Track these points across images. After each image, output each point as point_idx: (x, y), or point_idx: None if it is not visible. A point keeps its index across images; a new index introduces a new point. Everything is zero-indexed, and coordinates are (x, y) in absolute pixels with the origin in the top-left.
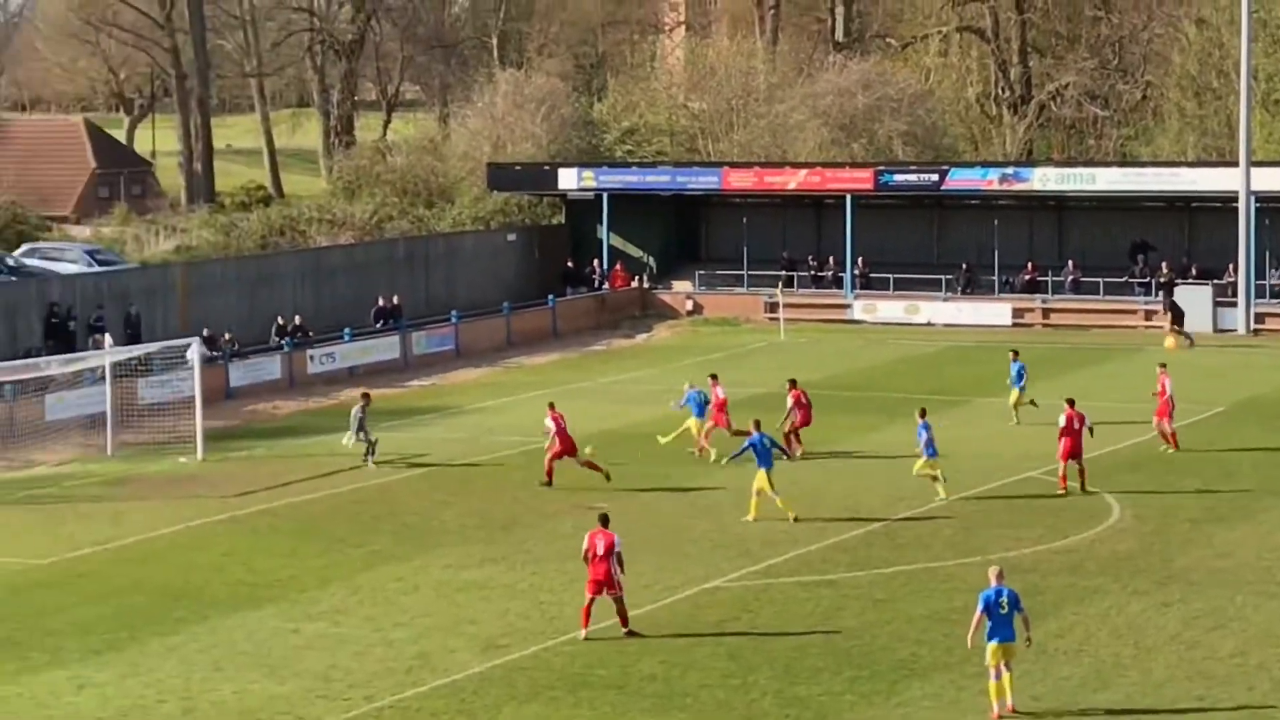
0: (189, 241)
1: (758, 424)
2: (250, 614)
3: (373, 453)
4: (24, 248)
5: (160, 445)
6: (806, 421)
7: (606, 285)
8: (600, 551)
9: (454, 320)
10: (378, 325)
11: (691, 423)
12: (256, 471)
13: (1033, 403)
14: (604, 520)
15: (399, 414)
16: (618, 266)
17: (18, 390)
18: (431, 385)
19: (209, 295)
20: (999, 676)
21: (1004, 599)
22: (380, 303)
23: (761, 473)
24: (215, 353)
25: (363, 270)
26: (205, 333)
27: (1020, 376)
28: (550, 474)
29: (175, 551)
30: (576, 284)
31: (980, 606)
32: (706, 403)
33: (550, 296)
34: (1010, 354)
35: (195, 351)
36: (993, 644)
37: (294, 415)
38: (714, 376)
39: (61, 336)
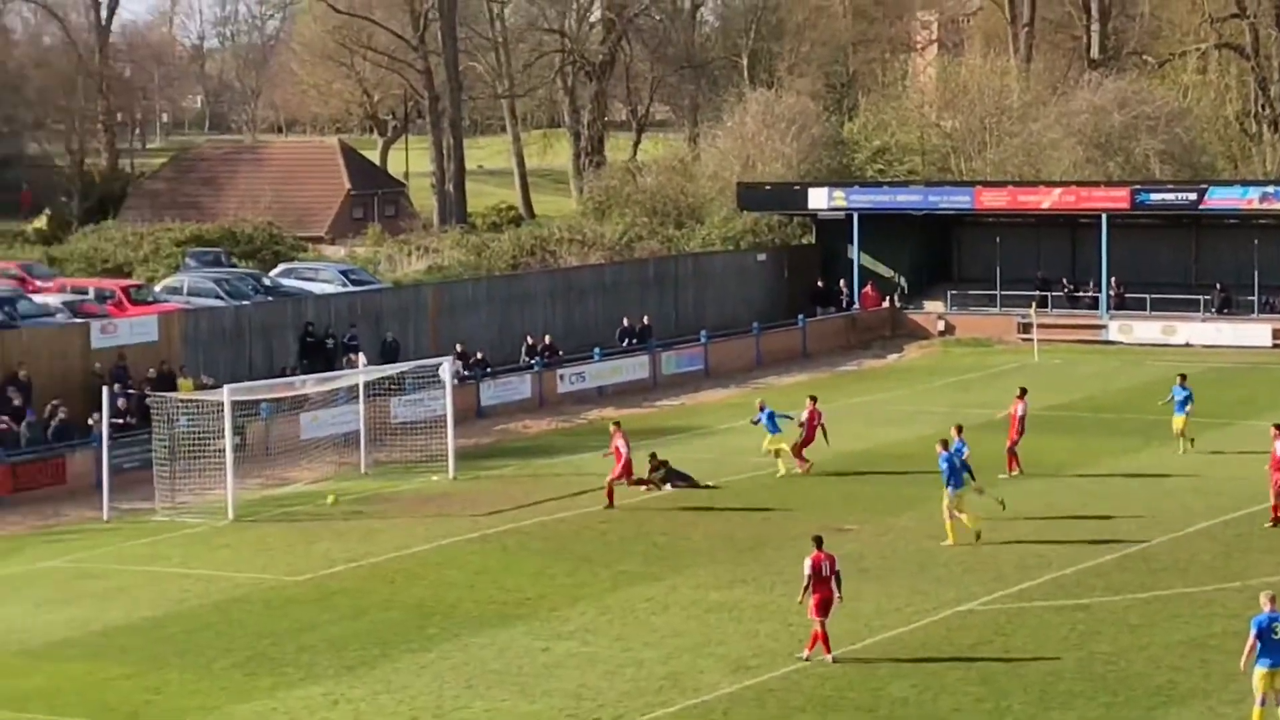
0: (441, 261)
1: (945, 443)
2: (501, 632)
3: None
4: (280, 268)
5: (412, 464)
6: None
7: (857, 305)
8: (826, 572)
9: (703, 340)
10: (623, 345)
11: (780, 440)
12: (507, 490)
13: (1191, 441)
14: (819, 542)
15: (648, 434)
16: (868, 286)
17: (274, 409)
18: (680, 405)
19: (460, 315)
20: (1264, 703)
21: (1277, 625)
22: (625, 323)
23: (948, 492)
24: (466, 372)
25: (612, 290)
26: (458, 348)
27: (1185, 403)
28: (611, 496)
29: (427, 569)
30: (825, 304)
31: (1253, 631)
32: (777, 419)
33: (800, 316)
34: (1178, 378)
35: (447, 370)
36: (1262, 669)
37: (544, 434)
38: (813, 398)
39: (316, 355)
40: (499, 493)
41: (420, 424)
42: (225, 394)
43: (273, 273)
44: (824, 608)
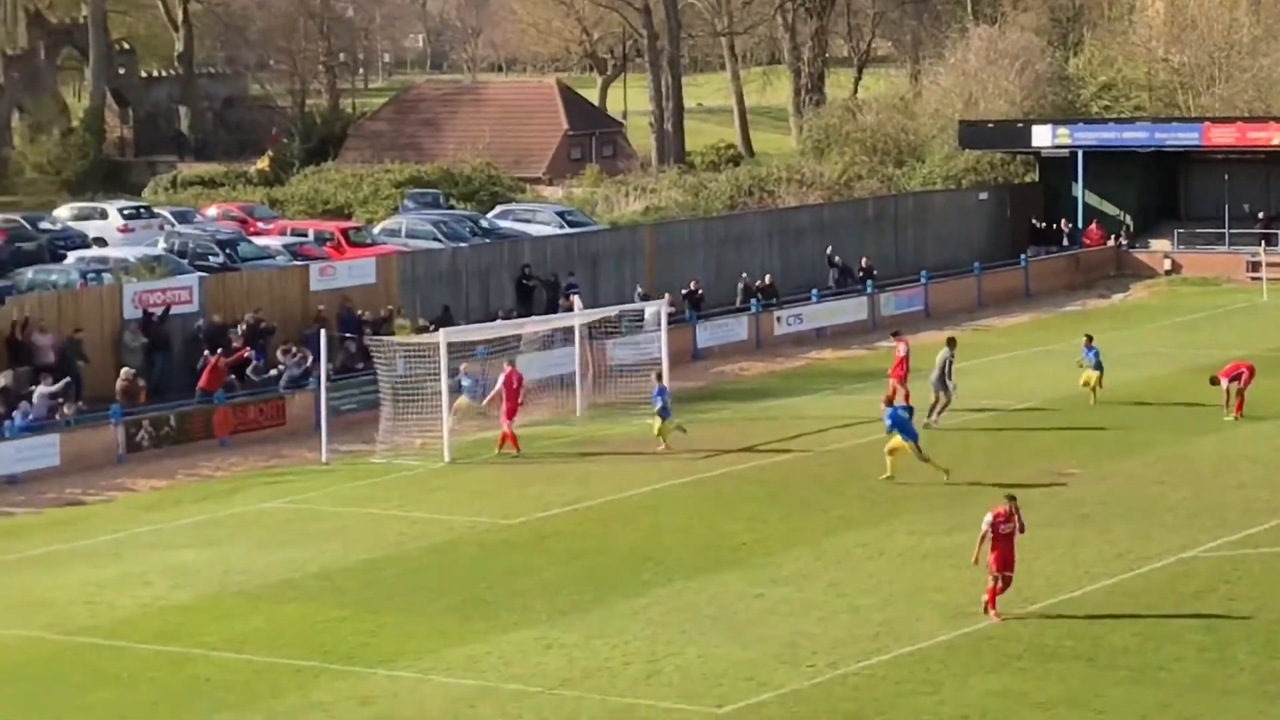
0: (658, 202)
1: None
2: (715, 577)
3: (941, 409)
4: (497, 209)
5: (628, 406)
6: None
7: (1081, 244)
8: (1005, 530)
9: (923, 281)
10: (835, 284)
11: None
12: (722, 434)
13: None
14: (1011, 499)
15: (866, 376)
16: (1092, 225)
17: (490, 351)
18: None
19: (677, 256)
20: None
21: None
22: (837, 259)
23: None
24: (680, 313)
25: (831, 230)
26: (687, 288)
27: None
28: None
29: (642, 513)
30: (1047, 243)
31: None
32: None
33: (1023, 256)
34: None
35: (662, 313)
36: None
37: (760, 377)
38: (896, 333)
39: (533, 298)
40: (715, 436)
41: (636, 367)
42: (441, 337)
43: (490, 214)
44: (1003, 564)
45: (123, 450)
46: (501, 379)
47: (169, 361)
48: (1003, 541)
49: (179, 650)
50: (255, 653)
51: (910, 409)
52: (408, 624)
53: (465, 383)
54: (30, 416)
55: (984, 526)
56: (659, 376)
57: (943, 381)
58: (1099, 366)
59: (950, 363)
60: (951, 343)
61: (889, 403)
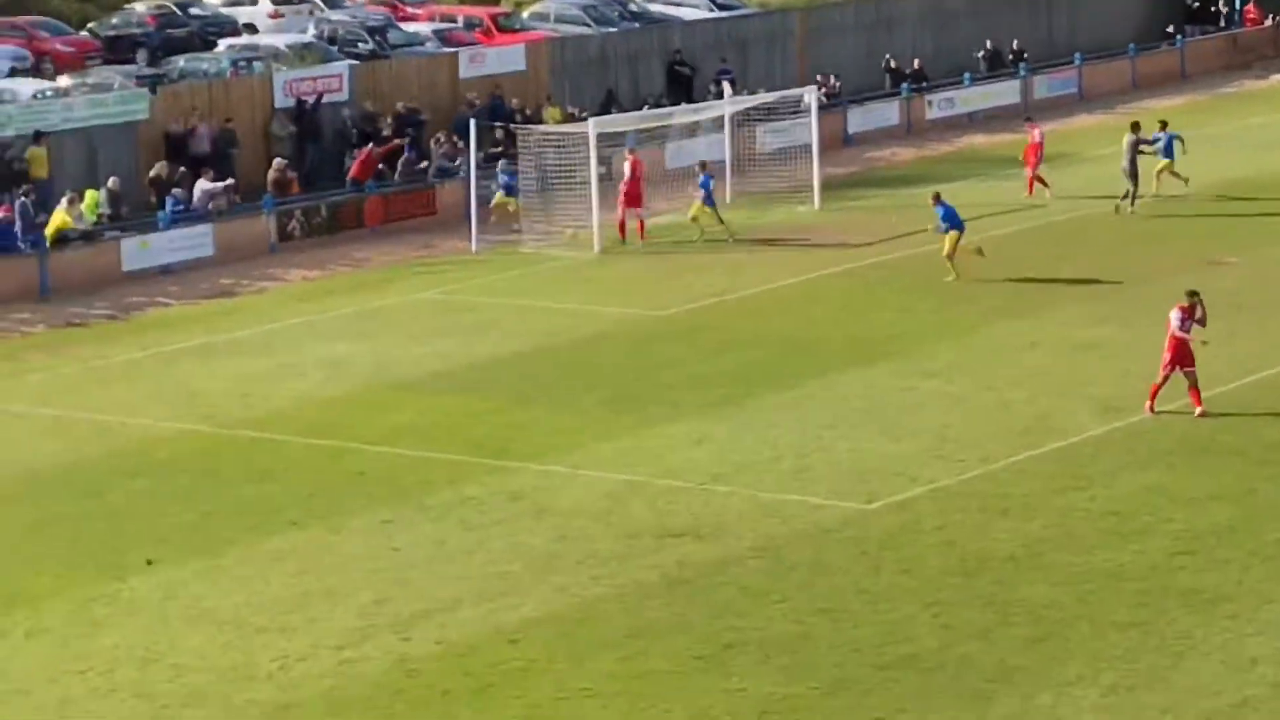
0: None
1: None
2: (865, 370)
3: (1133, 197)
4: None
5: (778, 194)
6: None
7: (1239, 24)
8: (1177, 329)
9: (1076, 63)
10: (989, 72)
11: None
12: (872, 222)
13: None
14: (1194, 295)
15: (1017, 162)
16: (1250, 3)
17: (640, 139)
18: (1051, 130)
19: (827, 40)
20: None
21: None
22: (989, 46)
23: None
24: (832, 100)
25: (984, 13)
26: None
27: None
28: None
29: (792, 304)
30: (1203, 22)
31: None
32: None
33: (1178, 37)
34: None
35: (812, 98)
36: None
37: (912, 163)
38: (1029, 119)
39: (683, 84)
40: (865, 224)
41: (786, 153)
42: (590, 126)
43: None
44: (1180, 359)
45: (275, 240)
46: (627, 166)
47: (320, 151)
48: (1173, 340)
49: (333, 444)
50: (407, 446)
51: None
52: (558, 418)
53: (503, 179)
54: (191, 206)
55: (1172, 323)
56: (703, 165)
57: (1133, 167)
58: (1169, 154)
59: (1137, 146)
60: (1135, 127)
61: (938, 199)
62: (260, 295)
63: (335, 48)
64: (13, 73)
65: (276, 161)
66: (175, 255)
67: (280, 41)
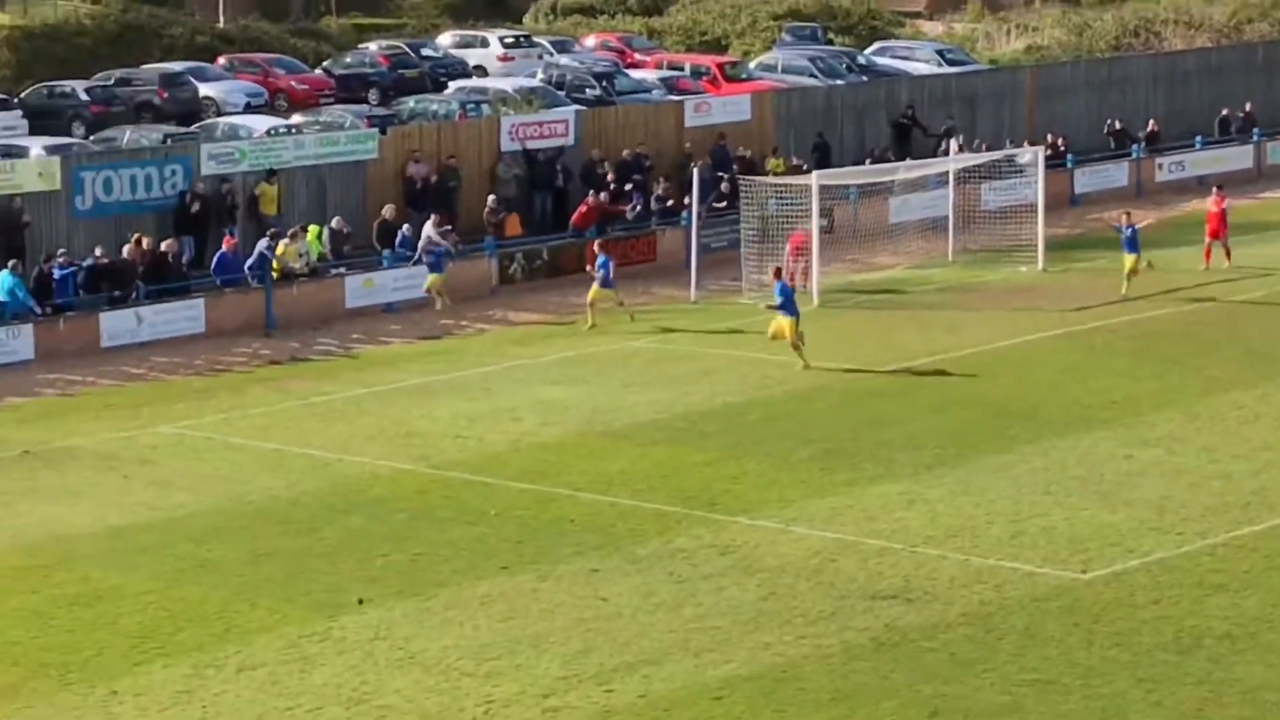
0: (1039, 41)
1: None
2: (1083, 436)
3: None
4: (875, 46)
5: (1000, 252)
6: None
7: None
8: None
9: None
10: (1224, 135)
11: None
12: (1096, 284)
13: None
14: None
15: (1249, 229)
16: None
17: (862, 192)
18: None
19: (1057, 98)
20: None
21: None
22: (1224, 112)
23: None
24: (1058, 159)
25: (1217, 75)
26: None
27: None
28: None
29: (1010, 366)
30: None
31: None
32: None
33: None
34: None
35: (1039, 157)
36: None
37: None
38: (1219, 187)
39: (909, 139)
40: (1089, 287)
41: (1010, 211)
42: (813, 179)
43: (867, 51)
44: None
45: (495, 282)
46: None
47: (546, 201)
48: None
49: (545, 489)
50: (619, 495)
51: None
52: (770, 472)
53: (429, 258)
54: (419, 249)
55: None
56: (603, 246)
57: None
58: (1133, 247)
59: None
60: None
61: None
62: (479, 337)
63: (563, 93)
64: (247, 109)
65: (490, 200)
66: (398, 294)
67: (508, 85)
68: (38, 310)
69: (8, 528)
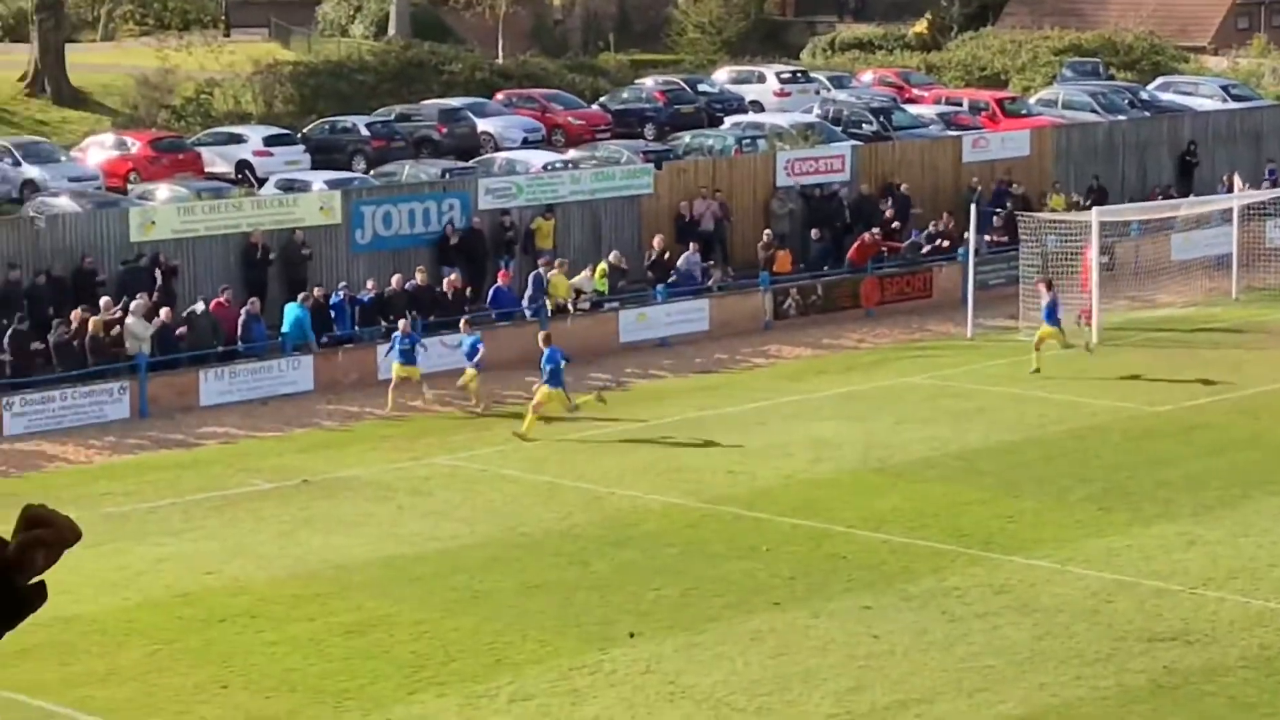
0: None
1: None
2: None
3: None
4: (1157, 82)
5: None
6: None
7: None
8: None
9: None
10: None
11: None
12: None
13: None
14: None
15: None
16: None
17: (1144, 228)
18: None
19: None
20: None
21: None
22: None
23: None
24: None
25: None
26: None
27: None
28: None
29: None
30: None
31: None
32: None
33: None
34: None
35: None
36: None
37: None
38: None
39: (1191, 175)
40: None
41: None
42: (1094, 215)
43: (1150, 86)
44: None
45: (769, 317)
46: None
47: (822, 237)
48: None
49: (817, 525)
50: (892, 531)
51: None
52: (1046, 511)
53: (401, 343)
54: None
55: None
56: (547, 339)
57: None
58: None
59: None
60: None
61: None
62: (752, 372)
63: (839, 128)
64: (525, 144)
65: (765, 235)
66: (671, 329)
67: (785, 120)
68: (316, 344)
69: (287, 556)
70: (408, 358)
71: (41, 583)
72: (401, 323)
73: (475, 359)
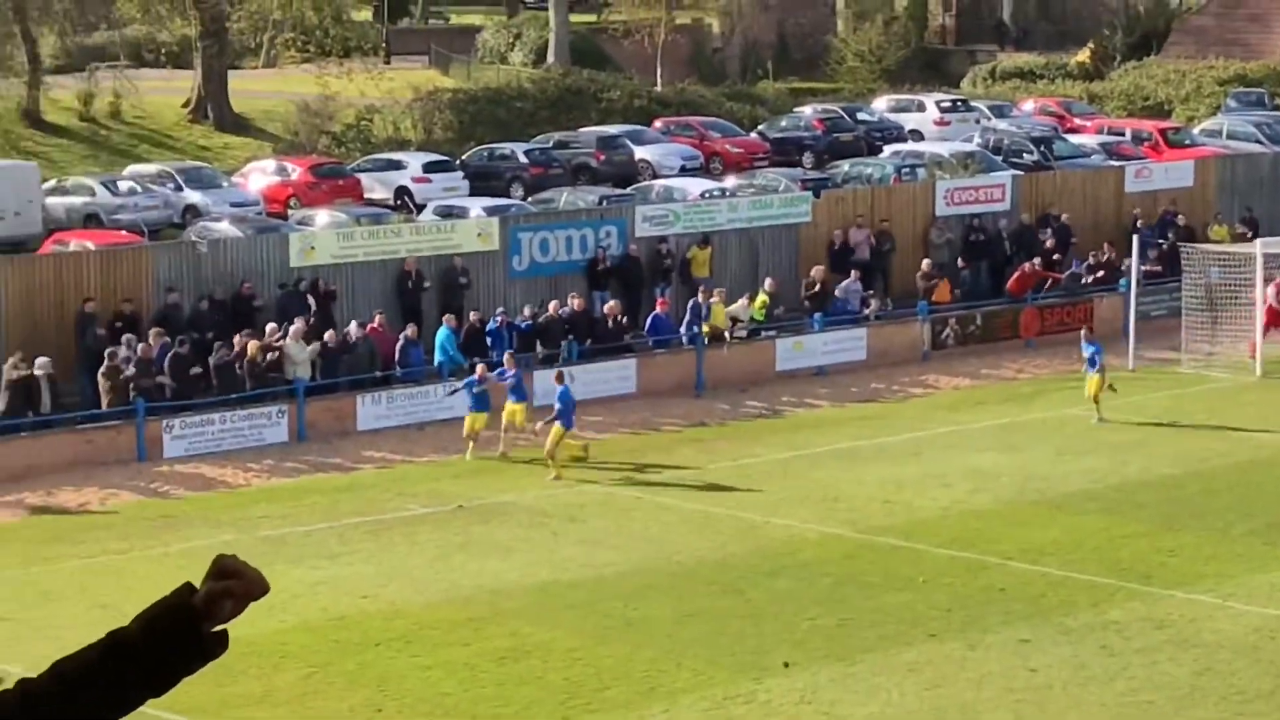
0: None
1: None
2: None
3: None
4: None
5: None
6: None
7: None
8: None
9: None
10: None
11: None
12: None
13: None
14: None
15: None
16: None
17: None
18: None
19: None
20: None
21: None
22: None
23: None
24: None
25: None
26: None
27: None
28: None
29: None
30: None
31: None
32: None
33: None
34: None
35: None
36: None
37: None
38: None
39: None
40: None
41: None
42: (1257, 246)
43: None
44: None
45: (927, 347)
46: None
47: (980, 271)
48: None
49: (974, 556)
50: (1050, 564)
51: None
52: (1208, 545)
53: (510, 380)
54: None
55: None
56: (507, 363)
57: None
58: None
59: None
60: None
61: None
62: (909, 402)
63: (999, 157)
64: (682, 171)
65: (924, 265)
66: (828, 358)
67: (944, 149)
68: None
69: (442, 581)
70: (519, 394)
71: (224, 631)
72: (480, 367)
73: (556, 411)
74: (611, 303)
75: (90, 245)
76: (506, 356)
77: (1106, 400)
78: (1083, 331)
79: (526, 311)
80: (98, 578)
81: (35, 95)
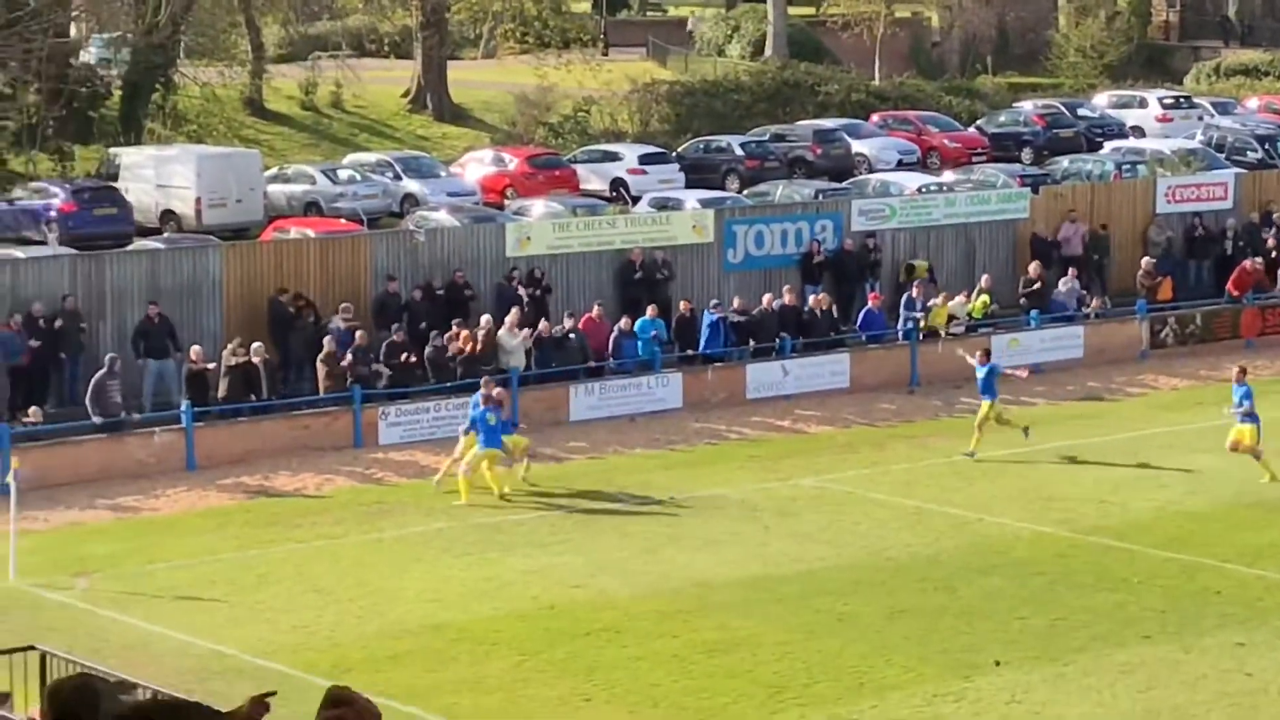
0: None
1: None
2: None
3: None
4: None
5: None
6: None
7: None
8: None
9: None
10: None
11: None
12: None
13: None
14: None
15: None
16: None
17: None
18: None
19: None
20: None
21: None
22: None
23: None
24: None
25: None
26: None
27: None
28: None
29: None
30: None
31: None
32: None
33: None
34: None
35: None
36: None
37: None
38: None
39: None
40: None
41: None
42: None
43: None
44: None
45: (1146, 346)
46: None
47: (1201, 266)
48: None
49: (1190, 558)
50: (1268, 568)
51: None
52: None
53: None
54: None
55: None
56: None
57: None
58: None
59: None
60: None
61: None
62: (1126, 401)
63: (1222, 155)
64: (899, 166)
65: (1145, 262)
66: (1045, 355)
67: (1166, 146)
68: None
69: (652, 573)
70: (498, 431)
71: None
72: (495, 390)
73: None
74: (820, 295)
75: (310, 233)
76: (485, 382)
77: None
78: (1234, 371)
79: (737, 304)
80: (313, 562)
81: (258, 84)
